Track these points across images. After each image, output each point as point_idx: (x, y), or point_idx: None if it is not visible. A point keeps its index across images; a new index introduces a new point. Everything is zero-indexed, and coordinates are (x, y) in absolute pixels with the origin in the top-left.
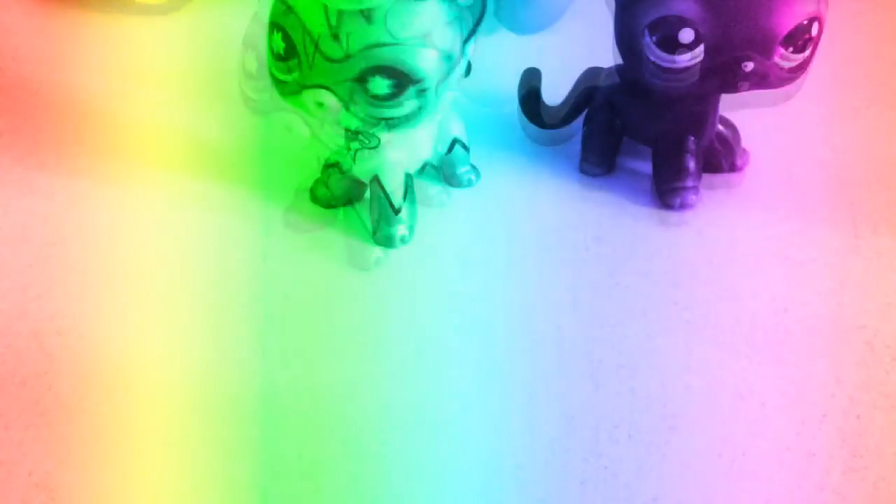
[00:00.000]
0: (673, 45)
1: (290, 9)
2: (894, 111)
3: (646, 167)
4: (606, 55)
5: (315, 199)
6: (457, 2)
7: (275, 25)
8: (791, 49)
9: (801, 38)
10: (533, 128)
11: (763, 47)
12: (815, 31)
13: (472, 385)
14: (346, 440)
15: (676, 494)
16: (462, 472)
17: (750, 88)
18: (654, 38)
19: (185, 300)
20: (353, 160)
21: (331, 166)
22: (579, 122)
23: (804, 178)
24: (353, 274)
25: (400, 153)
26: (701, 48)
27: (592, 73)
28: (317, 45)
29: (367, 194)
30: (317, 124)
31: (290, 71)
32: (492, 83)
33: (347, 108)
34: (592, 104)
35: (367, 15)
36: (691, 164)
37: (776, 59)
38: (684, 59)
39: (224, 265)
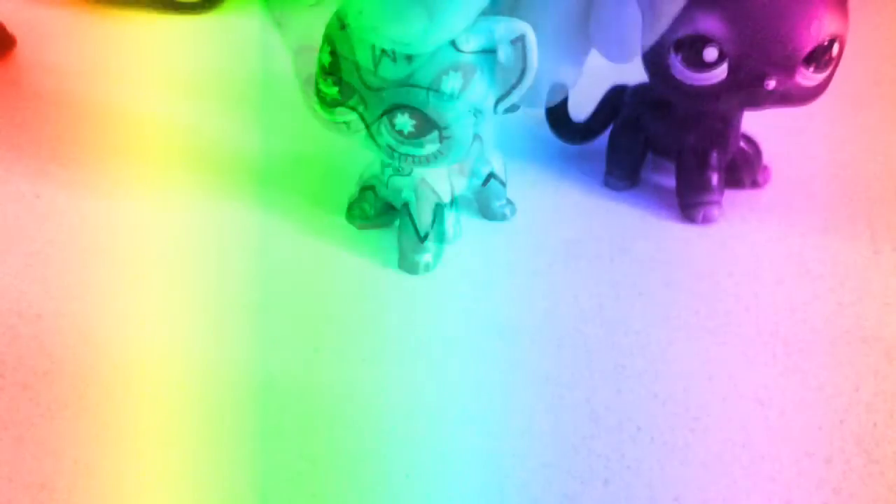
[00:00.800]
0: (697, 63)
1: (343, 27)
2: None
3: (669, 182)
4: (633, 72)
5: (350, 217)
6: (495, 58)
7: (326, 38)
8: (812, 68)
9: (822, 57)
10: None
11: (785, 66)
12: (836, 50)
13: (499, 388)
14: (371, 437)
15: (697, 495)
16: (490, 470)
17: (772, 106)
18: (678, 56)
19: (191, 301)
20: (387, 185)
21: (367, 188)
22: (605, 135)
23: (824, 193)
24: (384, 278)
25: (432, 183)
26: (725, 66)
27: (618, 89)
28: (358, 69)
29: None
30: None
31: (331, 85)
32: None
33: (372, 137)
34: (618, 119)
35: (408, 57)
36: (714, 180)
37: (798, 77)
38: (708, 77)
39: (261, 266)
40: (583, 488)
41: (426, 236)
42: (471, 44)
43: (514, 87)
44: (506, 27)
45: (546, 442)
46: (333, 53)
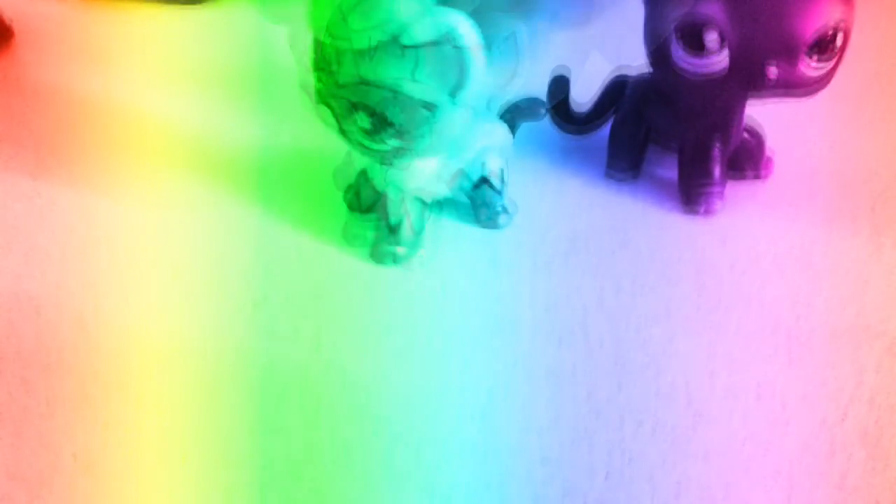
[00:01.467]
0: (698, 49)
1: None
2: None
3: (671, 173)
4: (635, 62)
5: (346, 202)
6: (444, 51)
7: (315, 36)
8: (816, 57)
9: (826, 47)
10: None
11: (788, 54)
12: (840, 40)
13: (499, 382)
14: (374, 430)
15: (699, 489)
16: (490, 464)
17: (775, 95)
18: (679, 41)
19: (190, 296)
20: (369, 173)
21: (362, 174)
22: (606, 127)
23: (827, 186)
24: (384, 272)
25: (411, 177)
26: (726, 52)
27: (620, 80)
28: (330, 69)
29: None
30: None
31: (318, 81)
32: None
33: (342, 132)
34: (619, 111)
35: (360, 54)
36: (716, 171)
37: (801, 66)
38: (709, 64)
39: (261, 260)
40: (584, 481)
41: (396, 227)
42: (417, 37)
43: (507, 85)
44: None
45: (546, 436)
46: (317, 50)
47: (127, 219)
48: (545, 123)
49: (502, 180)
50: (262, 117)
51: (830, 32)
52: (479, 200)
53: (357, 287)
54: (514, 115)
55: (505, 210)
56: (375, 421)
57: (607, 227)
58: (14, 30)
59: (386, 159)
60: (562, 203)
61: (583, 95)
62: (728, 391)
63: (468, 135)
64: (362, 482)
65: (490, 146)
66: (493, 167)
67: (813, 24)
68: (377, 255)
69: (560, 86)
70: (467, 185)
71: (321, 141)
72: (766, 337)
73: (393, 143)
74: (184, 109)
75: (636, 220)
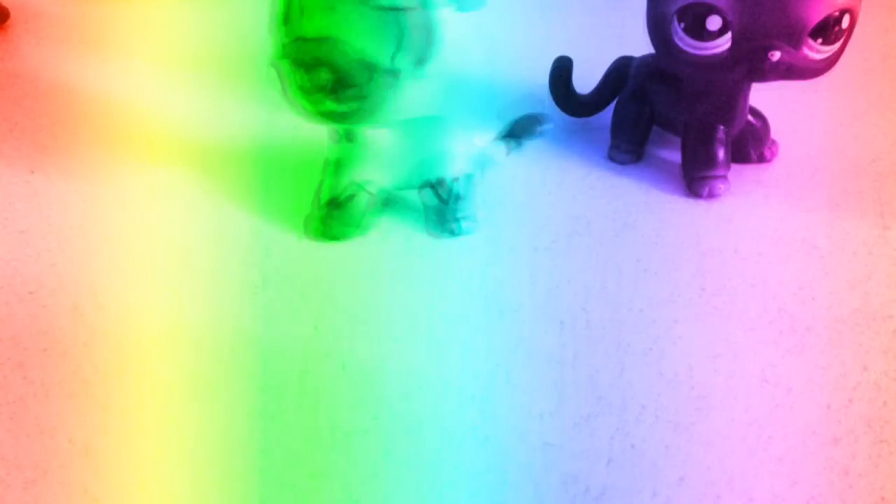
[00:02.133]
0: (700, 32)
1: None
2: None
3: (675, 156)
4: (639, 44)
5: (324, 234)
6: (404, 17)
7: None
8: (820, 41)
9: (831, 30)
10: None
11: (791, 38)
12: (845, 23)
13: (501, 366)
14: (375, 415)
15: (702, 474)
16: (492, 448)
17: (778, 79)
18: (682, 25)
19: (187, 279)
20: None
21: (345, 200)
22: (609, 108)
23: (832, 168)
24: (385, 257)
25: (363, 153)
26: (728, 36)
27: (624, 61)
28: (296, 21)
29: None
30: None
31: (282, 34)
32: (523, 72)
33: (297, 90)
34: (623, 92)
35: (329, 7)
36: (720, 154)
37: (805, 50)
38: (711, 47)
39: (259, 245)
40: (586, 467)
41: (331, 202)
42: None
43: (426, 54)
44: None
45: (548, 421)
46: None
47: (124, 203)
48: (547, 106)
49: (452, 192)
50: (261, 104)
51: (835, 16)
52: (430, 203)
53: (356, 272)
54: (515, 132)
55: (462, 220)
56: (376, 405)
57: (610, 210)
58: (10, 11)
59: (336, 121)
60: (564, 185)
61: (586, 81)
62: (732, 376)
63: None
64: (362, 467)
65: (451, 151)
66: (451, 172)
67: (818, 7)
68: (308, 226)
69: (562, 68)
70: (416, 181)
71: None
72: (770, 321)
73: (350, 105)
74: (182, 97)
75: (639, 203)
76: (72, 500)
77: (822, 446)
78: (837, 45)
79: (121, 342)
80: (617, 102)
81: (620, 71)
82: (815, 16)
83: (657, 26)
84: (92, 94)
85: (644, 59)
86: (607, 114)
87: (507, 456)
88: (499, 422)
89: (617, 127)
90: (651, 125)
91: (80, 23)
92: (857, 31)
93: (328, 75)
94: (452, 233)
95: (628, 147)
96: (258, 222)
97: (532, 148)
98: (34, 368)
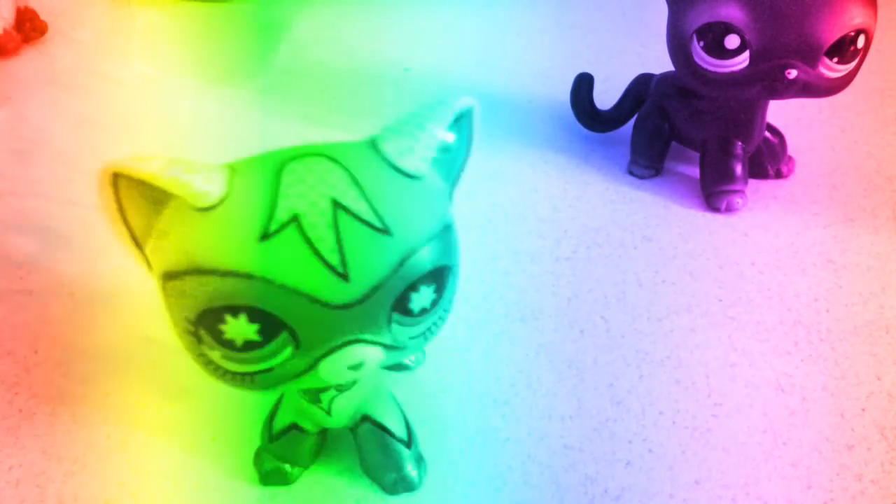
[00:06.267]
0: (720, 51)
1: (250, 276)
2: None
3: (693, 171)
4: (658, 62)
5: (269, 479)
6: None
7: (230, 309)
8: (836, 59)
9: (847, 49)
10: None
11: (808, 56)
12: (861, 42)
13: (522, 372)
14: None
15: (718, 478)
16: (513, 449)
17: (794, 96)
18: (701, 43)
19: None
20: (328, 411)
21: (284, 432)
22: (628, 124)
23: (848, 184)
24: None
25: (379, 379)
26: (746, 54)
27: (644, 78)
28: (315, 300)
29: (358, 442)
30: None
31: (277, 353)
32: (544, 86)
33: (388, 346)
34: (643, 108)
35: (379, 228)
36: (738, 169)
37: (821, 68)
38: (730, 65)
39: None
40: (604, 469)
41: (411, 438)
42: (419, 157)
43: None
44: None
45: (569, 424)
46: (261, 316)
47: None
48: (567, 120)
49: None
50: (286, 112)
51: (851, 35)
52: (371, 446)
53: None
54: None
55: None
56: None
57: (629, 222)
58: (47, 25)
59: (434, 332)
60: (584, 199)
61: (605, 97)
62: (748, 384)
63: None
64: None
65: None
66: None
67: (833, 27)
68: (400, 487)
69: (584, 84)
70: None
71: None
72: (786, 331)
73: (449, 296)
74: (208, 103)
75: (658, 216)
76: (107, 493)
77: (835, 453)
78: (853, 63)
79: (153, 340)
80: (637, 118)
81: (641, 87)
82: (832, 35)
83: (677, 44)
84: (122, 101)
85: (664, 76)
86: (627, 129)
87: (529, 457)
88: (520, 424)
89: (637, 142)
90: (670, 141)
91: (111, 32)
92: (873, 49)
93: (429, 288)
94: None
95: (648, 162)
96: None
97: (553, 162)
98: (73, 365)
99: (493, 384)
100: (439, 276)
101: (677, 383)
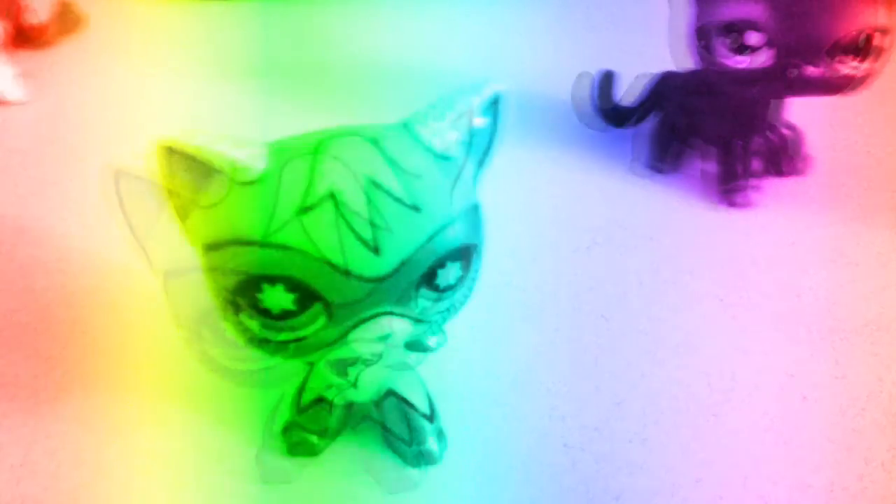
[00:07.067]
0: (740, 47)
1: (288, 248)
2: None
3: (711, 165)
4: (661, 60)
5: (297, 450)
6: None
7: (263, 279)
8: (853, 57)
9: (865, 48)
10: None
11: (826, 53)
12: (880, 41)
13: (524, 371)
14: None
15: (718, 477)
16: (514, 448)
17: (813, 93)
18: (721, 40)
19: None
20: (354, 385)
21: (312, 405)
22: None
23: (864, 182)
24: None
25: (401, 355)
26: (766, 50)
27: (665, 75)
28: (348, 272)
29: (381, 417)
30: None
31: (308, 323)
32: (546, 85)
33: (416, 320)
34: (666, 106)
35: (410, 206)
36: (754, 165)
37: (838, 66)
38: (750, 61)
39: None
40: (605, 468)
41: (433, 411)
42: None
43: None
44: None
45: (570, 423)
46: (296, 287)
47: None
48: (568, 118)
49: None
50: (312, 109)
51: (868, 34)
52: (395, 419)
53: None
54: None
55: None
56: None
57: (632, 220)
58: (86, 17)
59: (459, 307)
60: (586, 196)
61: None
62: (749, 383)
63: None
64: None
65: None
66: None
67: (850, 26)
68: (423, 460)
69: (607, 82)
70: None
71: None
72: (789, 330)
73: (473, 273)
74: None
75: (661, 214)
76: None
77: (836, 452)
78: (872, 62)
79: (133, 333)
80: (661, 116)
81: (661, 84)
82: (850, 33)
83: (698, 39)
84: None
85: (684, 72)
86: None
87: (530, 456)
88: (521, 423)
89: (657, 138)
90: (689, 137)
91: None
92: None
93: (456, 264)
94: (427, 462)
95: (667, 157)
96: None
97: (556, 160)
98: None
99: (494, 383)
100: (466, 254)
101: (678, 382)
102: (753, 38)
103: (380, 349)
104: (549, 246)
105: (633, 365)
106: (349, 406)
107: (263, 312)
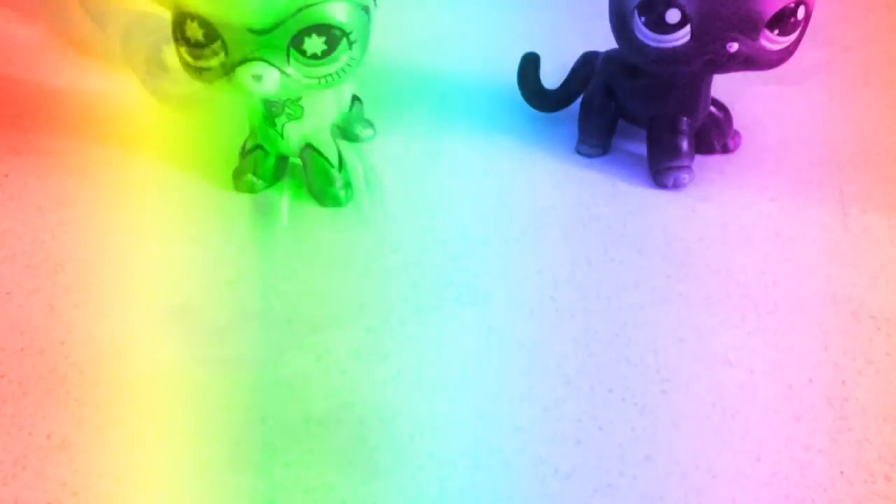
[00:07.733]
0: (660, 26)
1: None
2: (882, 94)
3: (640, 149)
4: (603, 40)
5: (240, 186)
6: None
7: (187, 15)
8: (777, 32)
9: (787, 21)
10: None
11: (749, 29)
12: (801, 14)
13: (472, 354)
14: (347, 404)
15: (668, 453)
16: (463, 433)
17: (737, 70)
18: (642, 19)
19: (165, 276)
20: (281, 135)
21: (253, 150)
22: (575, 103)
23: (794, 157)
24: (361, 249)
25: (319, 118)
26: (687, 28)
27: (590, 56)
28: (241, 21)
29: (303, 164)
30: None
31: (213, 54)
32: (491, 67)
33: (286, 73)
34: (590, 87)
35: None
36: (684, 145)
37: (762, 41)
38: (671, 39)
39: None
40: (555, 449)
41: (341, 163)
42: None
43: None
44: None
45: (519, 406)
46: (204, 24)
47: (97, 201)
48: (514, 100)
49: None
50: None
51: (790, 7)
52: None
53: (326, 262)
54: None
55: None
56: (349, 395)
57: (577, 201)
58: None
59: (333, 81)
60: (532, 178)
61: (552, 77)
62: (696, 358)
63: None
64: (335, 457)
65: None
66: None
67: (773, 0)
68: (330, 201)
69: (530, 64)
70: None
71: None
72: (733, 305)
73: (344, 57)
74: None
75: (606, 194)
76: (50, 494)
77: (783, 424)
78: (794, 35)
79: (95, 338)
80: (584, 97)
81: (587, 66)
82: (772, 8)
83: (619, 21)
84: (64, 94)
85: (609, 53)
86: (573, 109)
87: (479, 440)
88: (470, 408)
89: (584, 121)
90: (617, 119)
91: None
92: (818, 23)
93: (322, 38)
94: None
95: (596, 141)
96: (234, 213)
97: (501, 144)
98: (12, 368)
99: (443, 369)
100: (329, 32)
101: (626, 361)
102: (674, 16)
103: (257, 89)
104: (496, 229)
105: (581, 344)
106: (282, 159)
107: (187, 41)
